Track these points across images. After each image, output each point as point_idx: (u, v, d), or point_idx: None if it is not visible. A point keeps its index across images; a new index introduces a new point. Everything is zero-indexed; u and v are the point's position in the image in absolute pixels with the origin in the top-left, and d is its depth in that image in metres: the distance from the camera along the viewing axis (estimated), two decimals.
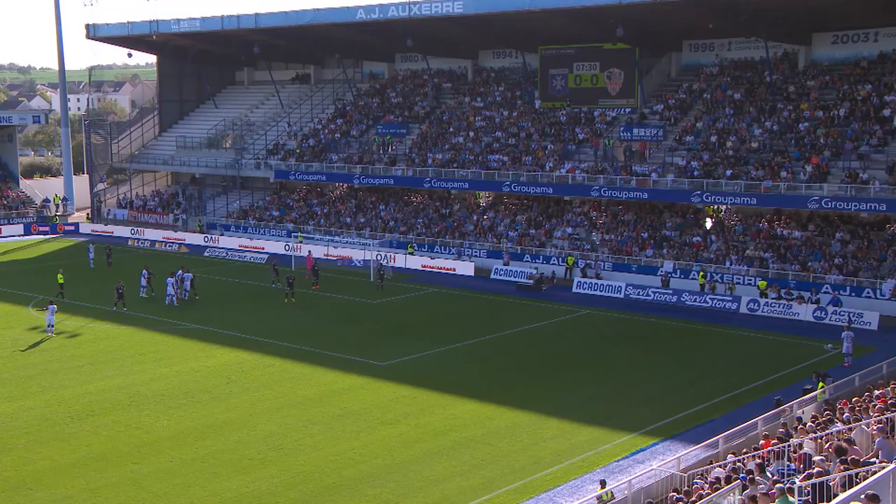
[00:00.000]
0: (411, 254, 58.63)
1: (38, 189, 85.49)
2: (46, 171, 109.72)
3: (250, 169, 76.14)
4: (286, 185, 76.46)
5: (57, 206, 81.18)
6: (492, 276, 54.52)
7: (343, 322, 42.67)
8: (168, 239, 69.69)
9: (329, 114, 79.16)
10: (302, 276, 51.94)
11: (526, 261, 55.46)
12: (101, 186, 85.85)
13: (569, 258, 53.69)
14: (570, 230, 57.28)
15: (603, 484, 20.11)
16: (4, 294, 48.91)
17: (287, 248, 61.39)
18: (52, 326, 39.49)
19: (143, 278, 48.31)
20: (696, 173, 53.73)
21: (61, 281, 47.50)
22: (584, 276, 51.50)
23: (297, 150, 74.36)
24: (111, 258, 57.70)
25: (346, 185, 73.02)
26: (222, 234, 70.15)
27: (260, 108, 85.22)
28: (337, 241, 62.43)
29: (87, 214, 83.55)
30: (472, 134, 67.00)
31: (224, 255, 63.81)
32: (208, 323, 42.07)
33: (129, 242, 69.94)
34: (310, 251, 57.60)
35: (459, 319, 43.38)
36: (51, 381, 32.40)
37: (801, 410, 24.09)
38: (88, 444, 26.06)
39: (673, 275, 49.65)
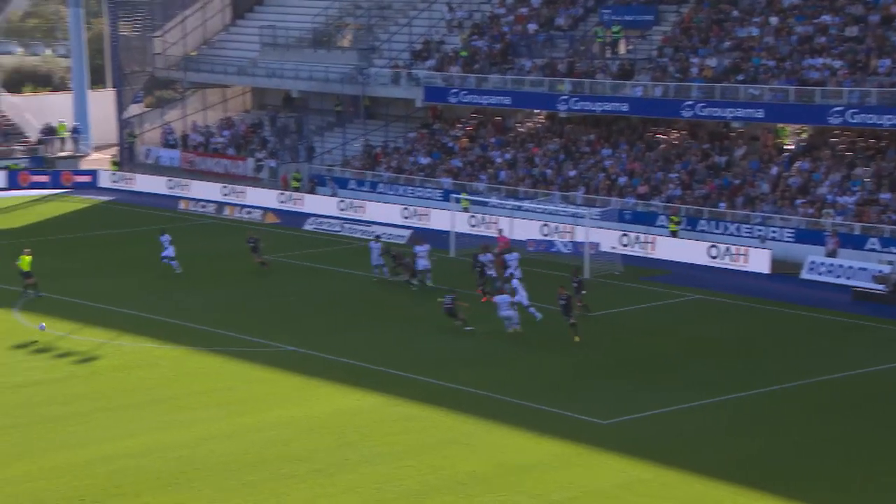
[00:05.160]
0: (674, 232, 58.55)
1: (31, 111, 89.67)
2: (44, 82, 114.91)
3: (383, 84, 77.30)
4: (443, 114, 77.03)
5: (64, 139, 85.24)
6: (804, 274, 53.80)
7: (535, 348, 42.67)
8: (246, 202, 72.24)
9: None
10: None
11: (870, 249, 54.32)
12: (135, 110, 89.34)
13: None
14: None
15: None
16: None
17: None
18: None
19: (375, 251, 52.82)
20: None
21: (27, 268, 49.51)
22: None
23: (463, 53, 74.84)
24: (260, 251, 55.64)
25: (544, 114, 72.81)
26: (335, 194, 71.79)
27: None
28: (528, 210, 62.44)
29: (114, 157, 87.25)
30: (774, 20, 65.57)
31: (338, 230, 65.19)
32: (312, 344, 42.93)
33: (182, 205, 72.72)
34: (501, 230, 58.16)
35: (738, 349, 42.87)
36: (48, 437, 33.60)
37: None
38: None
39: None
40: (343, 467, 31.23)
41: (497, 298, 44.42)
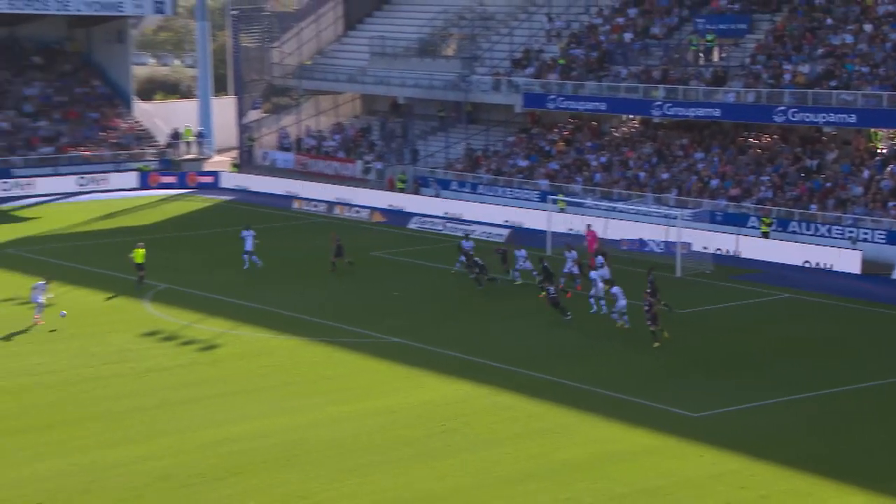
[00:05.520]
0: (765, 233, 58.35)
1: (161, 117, 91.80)
2: (173, 90, 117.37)
3: (485, 91, 77.57)
4: (541, 119, 77.11)
5: (190, 143, 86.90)
6: (895, 274, 53.42)
7: (628, 343, 42.71)
8: (355, 202, 72.97)
9: (616, 0, 79.21)
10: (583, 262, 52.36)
11: None
12: (253, 116, 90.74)
13: None
14: None
15: None
16: (108, 279, 52.96)
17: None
18: (41, 308, 44.64)
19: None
20: None
21: (140, 260, 50.84)
22: None
23: (561, 62, 74.83)
24: (343, 252, 54.33)
25: (639, 119, 72.49)
26: (438, 195, 72.24)
27: None
28: (622, 211, 62.30)
29: (234, 159, 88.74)
30: (868, 28, 64.84)
31: (440, 228, 65.62)
32: (416, 336, 43.39)
33: (295, 205, 73.68)
34: (590, 225, 58.01)
35: (827, 347, 42.60)
36: (174, 419, 34.55)
37: None
38: None
39: None
40: (446, 452, 31.56)
41: (614, 290, 44.58)
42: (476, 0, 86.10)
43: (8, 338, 43.51)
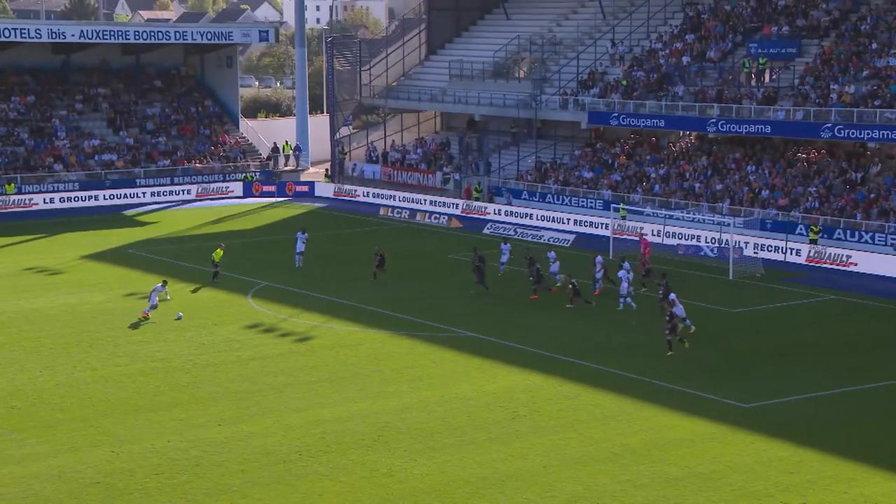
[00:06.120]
0: (814, 240, 57.89)
1: (263, 133, 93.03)
2: (274, 109, 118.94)
3: (553, 109, 77.54)
4: (605, 134, 76.92)
5: (288, 156, 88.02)
6: None
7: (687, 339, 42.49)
8: (435, 209, 73.34)
9: (675, 26, 78.72)
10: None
11: None
12: (345, 132, 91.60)
13: None
14: None
15: None
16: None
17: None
18: (154, 307, 45.36)
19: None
20: None
21: (218, 259, 51.91)
22: None
23: (624, 82, 74.69)
24: (384, 264, 52.87)
25: (695, 135, 72.02)
26: (509, 203, 72.45)
27: (571, 18, 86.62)
28: (678, 219, 62.06)
29: (326, 171, 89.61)
30: None
31: (511, 232, 65.78)
32: (489, 331, 43.61)
33: (382, 212, 74.29)
34: (644, 234, 57.85)
35: (870, 346, 42.17)
36: (274, 402, 35.11)
37: None
38: (321, 491, 27.91)
39: None
40: (515, 437, 31.81)
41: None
42: (546, 27, 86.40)
43: (129, 328, 44.35)
